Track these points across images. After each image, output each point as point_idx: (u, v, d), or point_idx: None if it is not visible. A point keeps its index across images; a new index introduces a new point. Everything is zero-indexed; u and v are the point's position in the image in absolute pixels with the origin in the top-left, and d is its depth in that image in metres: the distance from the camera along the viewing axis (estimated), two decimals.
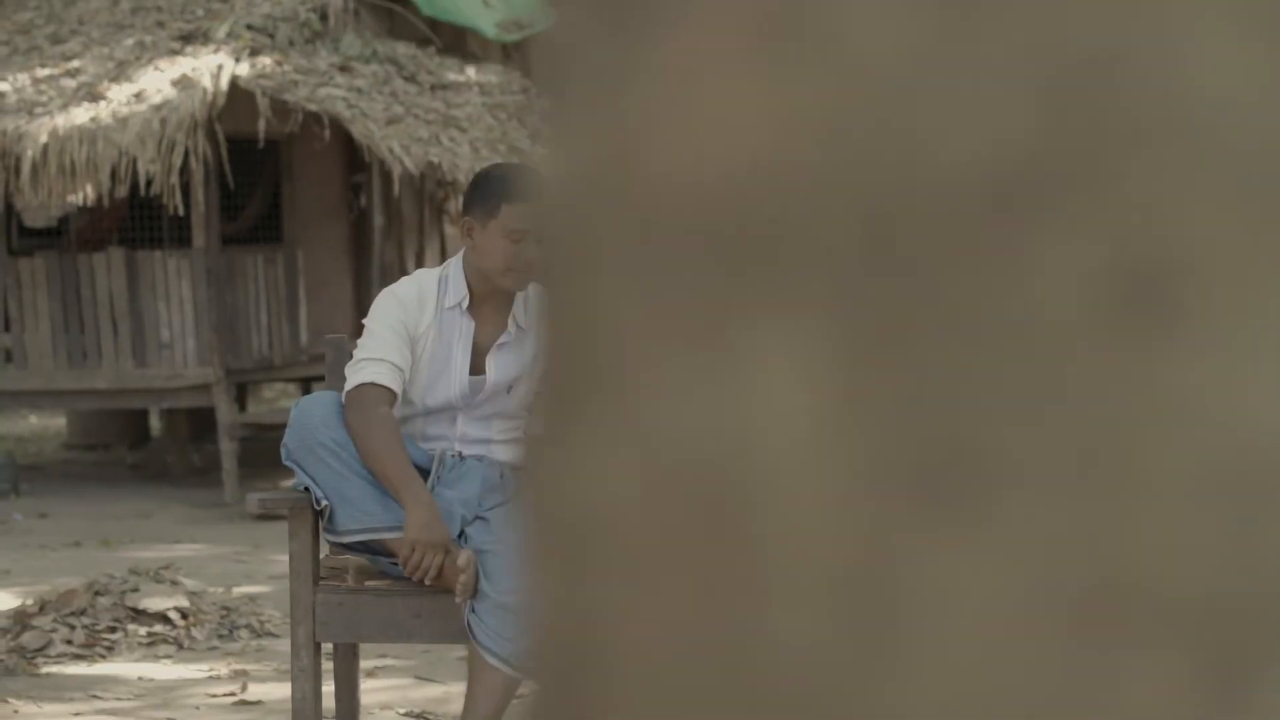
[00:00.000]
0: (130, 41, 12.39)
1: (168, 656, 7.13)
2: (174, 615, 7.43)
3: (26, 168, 11.49)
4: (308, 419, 5.03)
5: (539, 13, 11.89)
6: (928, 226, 0.62)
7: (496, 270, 5.09)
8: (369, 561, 5.15)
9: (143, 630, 7.30)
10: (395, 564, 5.01)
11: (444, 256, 13.64)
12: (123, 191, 11.56)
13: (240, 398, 13.62)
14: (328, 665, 5.28)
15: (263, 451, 12.65)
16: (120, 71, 12.06)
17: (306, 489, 5.01)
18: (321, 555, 5.19)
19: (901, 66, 0.62)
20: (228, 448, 11.73)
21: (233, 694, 6.52)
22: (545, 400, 0.67)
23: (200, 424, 13.67)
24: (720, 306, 0.63)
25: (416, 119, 11.95)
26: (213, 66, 11.75)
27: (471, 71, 12.99)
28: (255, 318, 12.42)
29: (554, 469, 0.66)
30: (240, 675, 6.79)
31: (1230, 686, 0.63)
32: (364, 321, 5.21)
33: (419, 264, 13.52)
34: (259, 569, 9.12)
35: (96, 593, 7.46)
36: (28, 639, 7.15)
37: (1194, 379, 0.62)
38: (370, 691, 6.10)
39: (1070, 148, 0.62)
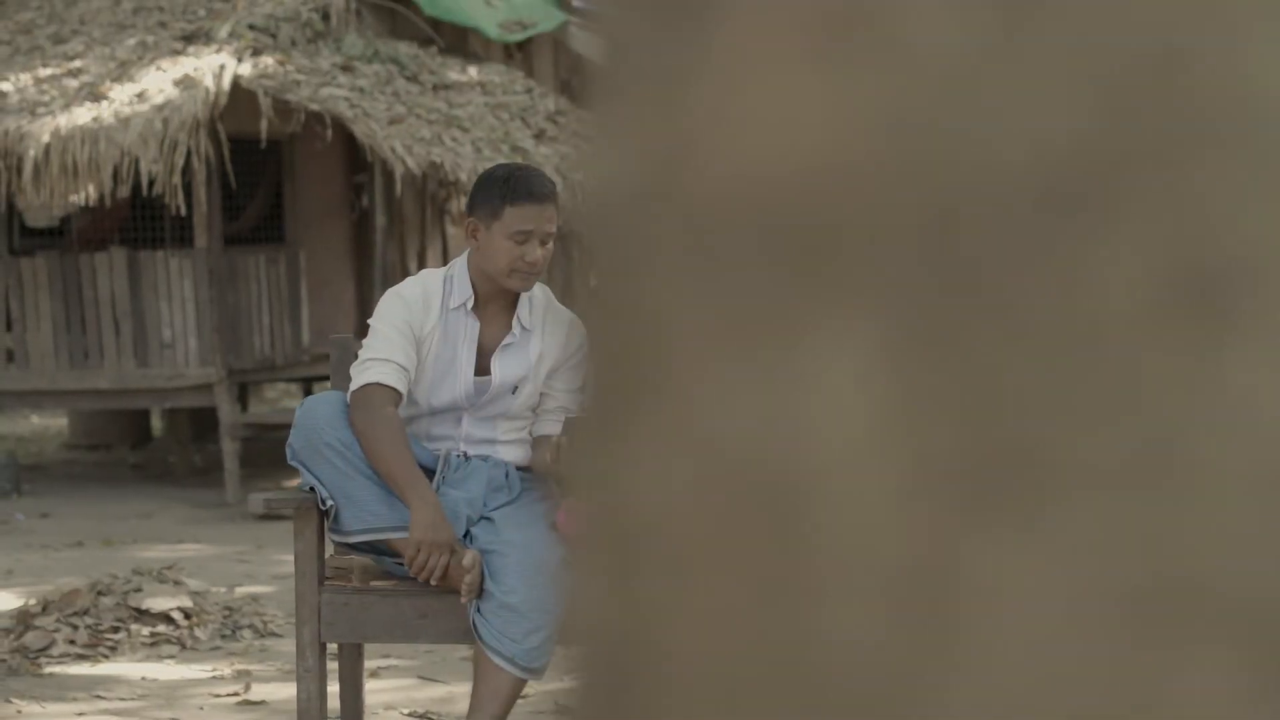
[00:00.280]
0: (132, 41, 12.39)
1: (171, 657, 7.13)
2: (177, 615, 7.43)
3: (28, 168, 11.49)
4: (313, 419, 5.04)
5: (541, 12, 11.74)
6: (986, 226, 0.62)
7: (500, 271, 5.09)
8: (374, 561, 5.15)
9: (146, 630, 7.30)
10: (400, 564, 5.01)
11: (446, 257, 13.63)
12: (125, 191, 11.56)
13: (242, 398, 13.61)
14: (332, 665, 5.28)
15: (264, 451, 12.65)
16: (122, 71, 12.06)
17: (312, 489, 5.01)
18: (326, 555, 5.19)
19: (961, 64, 0.62)
20: (229, 448, 11.73)
21: (236, 694, 6.52)
22: (596, 401, 0.66)
23: (202, 424, 13.67)
24: (777, 307, 0.63)
25: (419, 119, 11.95)
26: (215, 66, 11.75)
27: (474, 71, 12.99)
28: (257, 318, 12.41)
29: (608, 470, 0.65)
30: (243, 675, 6.79)
31: None
32: (369, 322, 5.21)
33: (421, 264, 13.51)
34: (261, 569, 9.12)
35: (99, 593, 7.46)
36: (31, 639, 7.15)
37: (1251, 380, 0.62)
38: (374, 692, 6.10)
39: (1130, 148, 0.62)
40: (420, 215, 13.95)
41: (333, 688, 5.24)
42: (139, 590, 7.49)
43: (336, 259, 13.59)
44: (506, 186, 5.12)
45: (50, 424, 16.81)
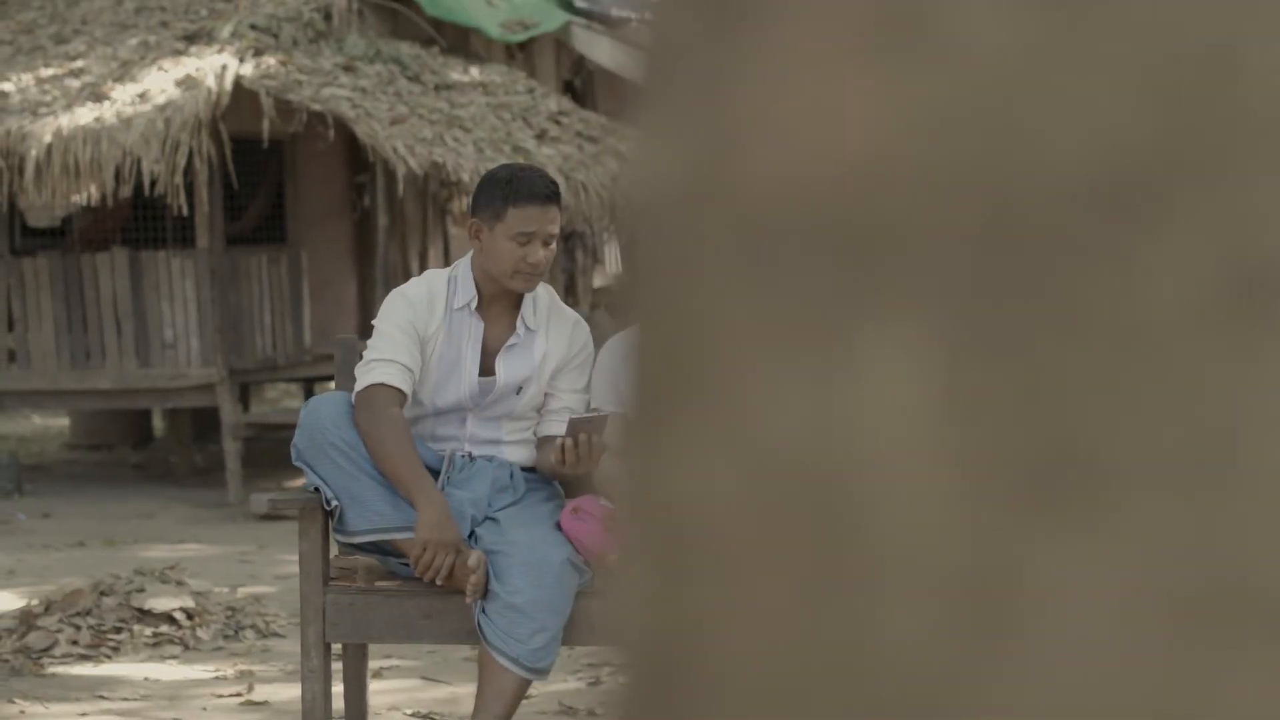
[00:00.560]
0: (134, 41, 12.38)
1: (173, 657, 7.13)
2: (179, 616, 7.43)
3: (30, 168, 11.49)
4: (318, 419, 5.04)
5: (543, 13, 11.71)
6: (1039, 225, 0.62)
7: (503, 272, 5.09)
8: (379, 562, 5.15)
9: (148, 631, 7.30)
10: (405, 564, 5.01)
11: (448, 257, 13.64)
12: (126, 191, 11.56)
13: (243, 398, 13.61)
14: (336, 666, 5.28)
15: (266, 451, 12.65)
16: (124, 71, 12.06)
17: (316, 489, 5.01)
18: (331, 555, 5.19)
19: (1015, 62, 0.62)
20: (231, 448, 11.73)
21: (239, 694, 6.51)
22: (640, 402, 0.66)
23: (203, 424, 13.67)
24: (828, 306, 0.63)
25: (420, 119, 11.95)
26: (217, 66, 11.75)
27: (475, 71, 12.99)
28: (259, 318, 12.41)
29: (653, 471, 0.65)
30: (246, 676, 6.79)
31: None
32: (373, 322, 5.21)
33: (423, 264, 13.51)
34: (264, 569, 9.11)
35: (102, 593, 7.46)
36: (33, 639, 7.14)
37: None
38: (377, 693, 6.10)
39: (1185, 146, 0.62)
40: (422, 215, 13.95)
41: (336, 688, 5.24)
42: (141, 590, 7.49)
43: (338, 259, 13.59)
44: (509, 188, 5.12)
45: (52, 424, 16.81)
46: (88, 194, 11.94)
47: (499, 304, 5.21)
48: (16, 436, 15.59)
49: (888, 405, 0.62)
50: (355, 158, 13.12)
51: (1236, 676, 0.61)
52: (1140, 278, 0.62)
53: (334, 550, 5.22)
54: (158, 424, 15.38)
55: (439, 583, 4.92)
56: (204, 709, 6.35)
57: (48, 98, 11.93)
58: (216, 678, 6.80)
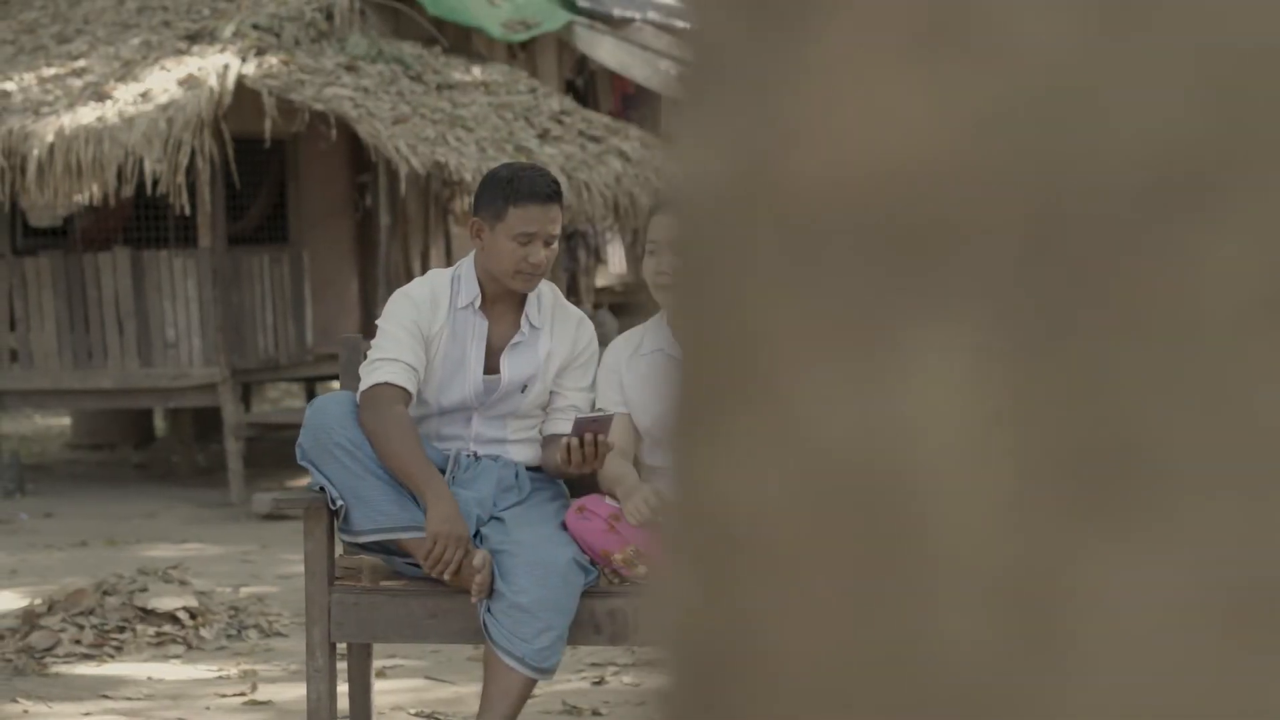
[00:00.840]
0: (136, 41, 12.38)
1: (176, 656, 7.12)
2: (182, 615, 7.42)
3: (32, 167, 11.49)
4: (323, 419, 5.03)
5: (545, 12, 11.71)
6: (1090, 224, 0.62)
7: (504, 272, 5.09)
8: (384, 561, 5.14)
9: (151, 630, 7.29)
10: (410, 564, 5.01)
11: (450, 256, 13.64)
12: (128, 191, 11.56)
13: (245, 397, 13.60)
14: (341, 665, 5.28)
15: (268, 451, 12.65)
16: (126, 71, 12.05)
17: (321, 489, 5.01)
18: (336, 555, 5.18)
19: (1065, 62, 0.61)
20: (233, 447, 11.72)
21: (242, 694, 6.51)
22: (686, 404, 0.66)
23: (205, 424, 13.67)
24: (877, 306, 0.62)
25: (422, 118, 11.95)
26: (219, 66, 11.75)
27: (477, 71, 12.99)
28: (261, 317, 12.41)
29: (701, 473, 0.65)
30: (249, 675, 6.78)
31: None
32: (377, 322, 5.20)
33: (425, 263, 13.51)
34: (266, 569, 9.11)
35: (105, 592, 7.45)
36: (36, 639, 7.14)
37: None
38: (382, 693, 6.09)
39: (1237, 144, 0.62)
40: (424, 215, 13.95)
41: (341, 688, 5.24)
42: (144, 590, 7.49)
43: (340, 259, 13.59)
44: (510, 187, 5.12)
45: (54, 424, 16.81)
46: (90, 193, 11.92)
47: (503, 302, 5.21)
48: (18, 436, 15.59)
49: (938, 406, 0.62)
50: (357, 157, 13.12)
51: None
52: (1192, 277, 0.61)
53: (339, 550, 5.21)
54: (160, 424, 15.37)
55: (447, 577, 4.91)
56: (207, 708, 6.34)
57: (50, 97, 11.93)
58: (220, 677, 6.80)
